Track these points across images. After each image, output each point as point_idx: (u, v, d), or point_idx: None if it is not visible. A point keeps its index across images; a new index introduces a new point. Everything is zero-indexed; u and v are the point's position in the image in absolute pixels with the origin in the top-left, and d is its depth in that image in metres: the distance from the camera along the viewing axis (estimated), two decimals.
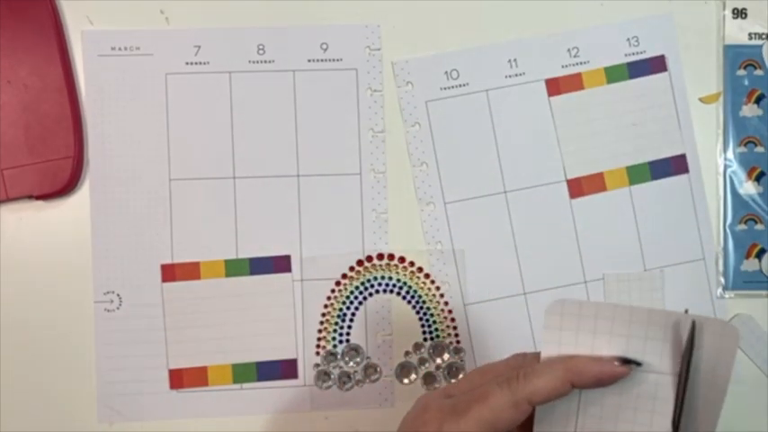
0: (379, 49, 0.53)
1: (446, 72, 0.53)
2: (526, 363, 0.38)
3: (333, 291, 0.52)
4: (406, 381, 0.52)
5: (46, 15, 0.51)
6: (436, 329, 0.52)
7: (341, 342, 0.52)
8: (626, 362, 0.35)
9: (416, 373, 0.52)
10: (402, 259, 0.52)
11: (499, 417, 0.35)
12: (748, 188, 0.53)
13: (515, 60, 0.53)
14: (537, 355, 0.37)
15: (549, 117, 0.53)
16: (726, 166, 0.53)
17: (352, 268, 0.52)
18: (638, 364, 0.35)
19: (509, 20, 0.53)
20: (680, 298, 0.52)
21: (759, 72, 0.53)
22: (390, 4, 0.53)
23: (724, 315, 0.52)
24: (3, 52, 0.51)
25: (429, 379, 0.52)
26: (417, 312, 0.52)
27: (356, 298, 0.52)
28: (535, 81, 0.53)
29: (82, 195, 0.52)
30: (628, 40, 0.53)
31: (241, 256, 0.52)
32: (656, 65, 0.53)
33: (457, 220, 0.52)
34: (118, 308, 0.51)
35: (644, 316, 0.36)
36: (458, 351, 0.52)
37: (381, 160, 0.52)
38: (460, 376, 0.52)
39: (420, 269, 0.52)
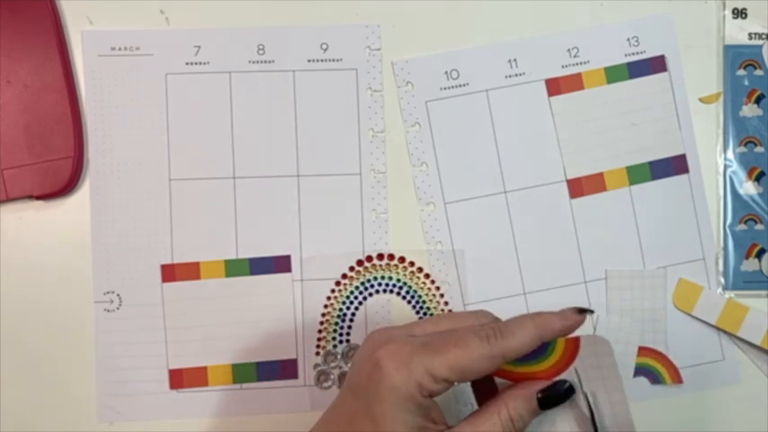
0: (379, 49, 0.53)
1: (446, 72, 0.53)
2: (494, 319, 0.40)
3: (333, 291, 0.52)
4: None
5: (46, 15, 0.51)
6: None
7: (341, 342, 0.52)
8: (581, 311, 0.39)
9: None
10: (402, 259, 0.52)
11: (473, 366, 0.37)
12: (748, 188, 0.53)
13: (515, 60, 0.53)
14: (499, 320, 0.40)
15: (549, 117, 0.53)
16: (726, 166, 0.53)
17: (352, 268, 0.52)
18: (591, 311, 0.39)
19: (509, 20, 0.53)
20: None
21: (759, 72, 0.53)
22: (390, 4, 0.53)
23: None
24: (3, 52, 0.51)
25: None
26: (417, 312, 0.52)
27: (356, 298, 0.52)
28: (535, 81, 0.53)
29: (82, 195, 0.52)
30: (628, 40, 0.53)
31: (241, 256, 0.52)
32: (656, 65, 0.53)
33: (457, 220, 0.52)
34: (118, 308, 0.51)
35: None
36: None
37: (381, 160, 0.52)
38: None
39: (420, 269, 0.52)
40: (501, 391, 0.39)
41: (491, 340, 0.37)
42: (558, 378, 0.39)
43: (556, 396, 0.38)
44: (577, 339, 0.39)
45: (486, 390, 0.41)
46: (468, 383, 0.42)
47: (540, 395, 0.38)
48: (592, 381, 0.39)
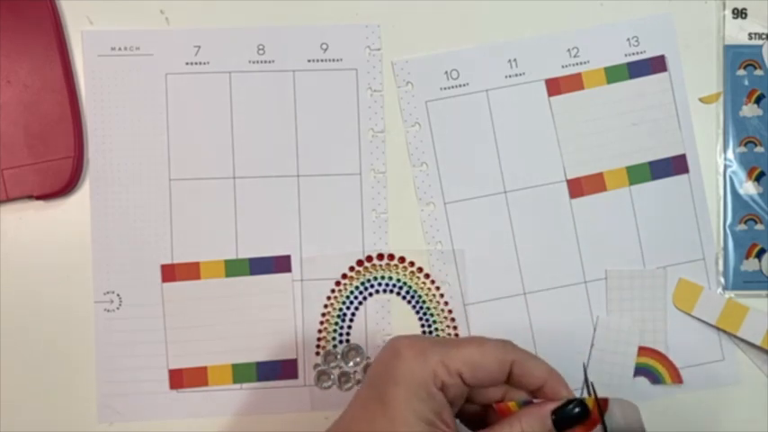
0: (379, 49, 0.53)
1: (446, 72, 0.53)
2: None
3: (333, 291, 0.52)
4: None
5: (46, 15, 0.51)
6: (436, 329, 0.52)
7: (341, 342, 0.52)
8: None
9: None
10: (402, 259, 0.52)
11: (485, 364, 0.38)
12: (748, 188, 0.53)
13: (515, 60, 0.53)
14: None
15: (549, 117, 0.53)
16: (726, 166, 0.53)
17: (352, 268, 0.52)
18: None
19: (509, 20, 0.53)
20: None
21: (759, 72, 0.53)
22: (390, 4, 0.53)
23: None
24: (3, 52, 0.51)
25: None
26: (417, 312, 0.52)
27: (356, 298, 0.52)
28: (535, 81, 0.53)
29: (82, 195, 0.52)
30: (628, 40, 0.53)
31: (241, 256, 0.52)
32: (656, 65, 0.53)
33: (457, 220, 0.52)
34: (118, 308, 0.51)
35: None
36: None
37: (381, 160, 0.52)
38: None
39: (420, 269, 0.52)
40: (517, 411, 0.40)
41: (507, 346, 0.39)
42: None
43: (569, 417, 0.39)
44: (606, 401, 0.39)
45: None
46: None
47: (553, 416, 0.39)
48: (613, 417, 0.40)
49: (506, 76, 0.53)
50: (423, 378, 0.37)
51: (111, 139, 0.52)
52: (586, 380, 0.41)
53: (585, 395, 0.40)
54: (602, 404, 0.39)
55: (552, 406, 0.39)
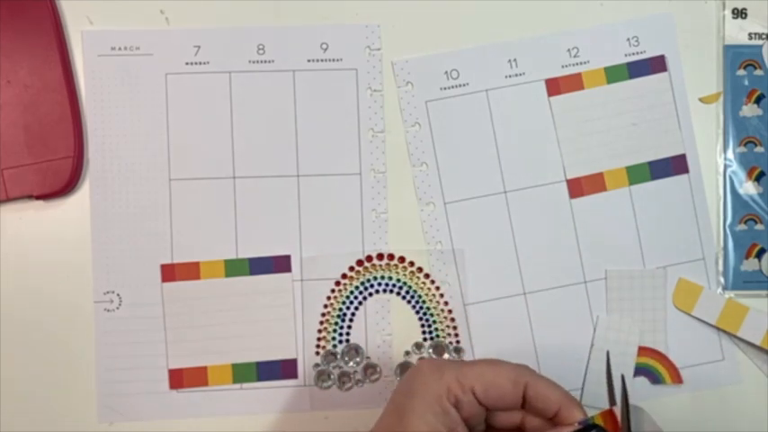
0: (379, 49, 0.53)
1: (446, 72, 0.53)
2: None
3: (333, 291, 0.52)
4: None
5: (46, 15, 0.51)
6: (436, 329, 0.52)
7: (341, 342, 0.52)
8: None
9: None
10: (402, 259, 0.52)
11: (498, 381, 0.39)
12: (748, 188, 0.53)
13: (515, 60, 0.53)
14: None
15: (549, 117, 0.53)
16: (726, 166, 0.53)
17: (352, 268, 0.52)
18: None
19: (509, 20, 0.53)
20: None
21: (759, 72, 0.53)
22: (390, 4, 0.53)
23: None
24: (3, 52, 0.51)
25: None
26: (417, 312, 0.52)
27: (356, 298, 0.52)
28: (535, 81, 0.53)
29: (82, 195, 0.52)
30: (628, 40, 0.53)
31: (241, 256, 0.52)
32: (656, 65, 0.53)
33: (457, 220, 0.52)
34: (118, 308, 0.51)
35: None
36: (458, 351, 0.52)
37: (381, 160, 0.52)
38: None
39: (420, 269, 0.52)
40: None
41: (520, 369, 0.39)
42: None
43: None
44: (611, 411, 0.39)
45: None
46: None
47: None
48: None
49: (506, 76, 0.53)
50: (437, 392, 0.38)
51: (111, 139, 0.52)
52: (625, 394, 0.40)
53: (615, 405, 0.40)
54: (611, 415, 0.39)
55: (569, 430, 0.39)
